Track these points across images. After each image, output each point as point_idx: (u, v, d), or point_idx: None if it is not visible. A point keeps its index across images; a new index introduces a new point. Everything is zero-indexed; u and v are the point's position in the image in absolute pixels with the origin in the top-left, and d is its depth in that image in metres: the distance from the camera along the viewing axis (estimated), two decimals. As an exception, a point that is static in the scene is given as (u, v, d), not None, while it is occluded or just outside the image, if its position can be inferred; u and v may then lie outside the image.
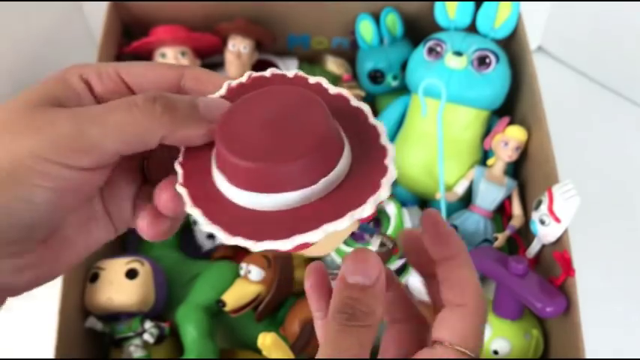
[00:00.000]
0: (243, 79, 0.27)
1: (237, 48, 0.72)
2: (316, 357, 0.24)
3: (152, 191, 0.26)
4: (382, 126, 0.25)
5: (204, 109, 0.24)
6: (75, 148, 0.22)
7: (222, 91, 0.26)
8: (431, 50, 0.68)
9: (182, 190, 0.24)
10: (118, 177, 0.26)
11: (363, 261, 0.25)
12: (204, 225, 0.22)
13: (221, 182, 0.23)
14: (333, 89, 0.26)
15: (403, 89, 0.73)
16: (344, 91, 0.26)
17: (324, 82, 0.26)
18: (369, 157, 0.24)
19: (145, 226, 0.26)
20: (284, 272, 0.60)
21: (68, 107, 0.23)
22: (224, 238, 0.22)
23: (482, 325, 0.27)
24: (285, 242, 0.21)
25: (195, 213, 0.23)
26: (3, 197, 0.21)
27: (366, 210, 0.22)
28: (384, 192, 0.22)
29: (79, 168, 0.22)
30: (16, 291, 0.24)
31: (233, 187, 0.23)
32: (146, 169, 0.28)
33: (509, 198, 0.67)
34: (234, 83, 0.26)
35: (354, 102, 0.25)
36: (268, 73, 0.27)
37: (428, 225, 0.28)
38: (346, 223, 0.22)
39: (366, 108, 0.25)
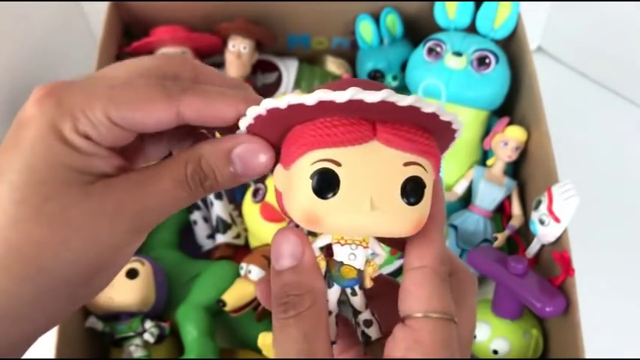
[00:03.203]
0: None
1: (238, 48, 0.72)
2: None
3: None
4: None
5: (241, 169, 0.25)
6: (135, 231, 0.24)
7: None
8: (431, 50, 0.68)
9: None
10: None
11: (284, 242, 0.24)
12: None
13: None
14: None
15: (403, 89, 0.73)
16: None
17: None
18: None
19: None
20: (284, 272, 0.60)
21: (92, 174, 0.23)
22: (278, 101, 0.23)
23: (445, 284, 0.24)
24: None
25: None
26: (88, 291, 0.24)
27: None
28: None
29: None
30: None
31: None
32: None
33: (508, 198, 0.67)
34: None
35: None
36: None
37: None
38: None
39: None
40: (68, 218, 0.22)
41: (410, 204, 0.23)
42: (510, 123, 0.67)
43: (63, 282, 0.23)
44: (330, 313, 0.25)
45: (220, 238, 0.66)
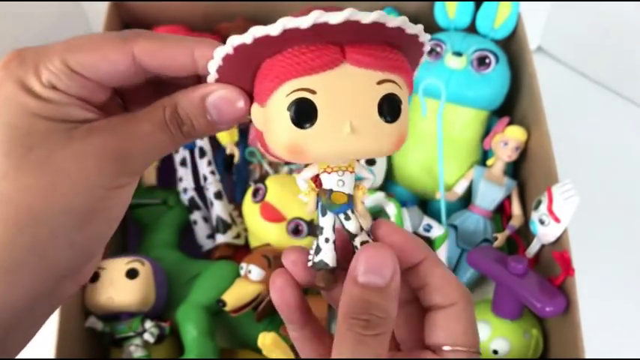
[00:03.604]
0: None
1: (237, 48, 0.72)
2: None
3: None
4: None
5: (217, 117, 0.25)
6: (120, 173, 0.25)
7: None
8: (430, 50, 0.68)
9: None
10: None
11: (376, 257, 0.24)
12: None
13: None
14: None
15: (403, 89, 0.73)
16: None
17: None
18: None
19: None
20: (284, 272, 0.60)
21: (72, 121, 0.24)
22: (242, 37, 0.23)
23: (475, 319, 0.26)
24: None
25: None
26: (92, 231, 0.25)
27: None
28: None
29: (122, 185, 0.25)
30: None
31: None
32: None
33: (508, 198, 0.67)
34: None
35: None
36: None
37: (390, 233, 0.26)
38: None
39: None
40: (54, 162, 0.23)
41: (388, 122, 0.24)
42: (510, 123, 0.67)
43: (59, 227, 0.23)
44: (327, 240, 0.26)
45: (220, 238, 0.66)
